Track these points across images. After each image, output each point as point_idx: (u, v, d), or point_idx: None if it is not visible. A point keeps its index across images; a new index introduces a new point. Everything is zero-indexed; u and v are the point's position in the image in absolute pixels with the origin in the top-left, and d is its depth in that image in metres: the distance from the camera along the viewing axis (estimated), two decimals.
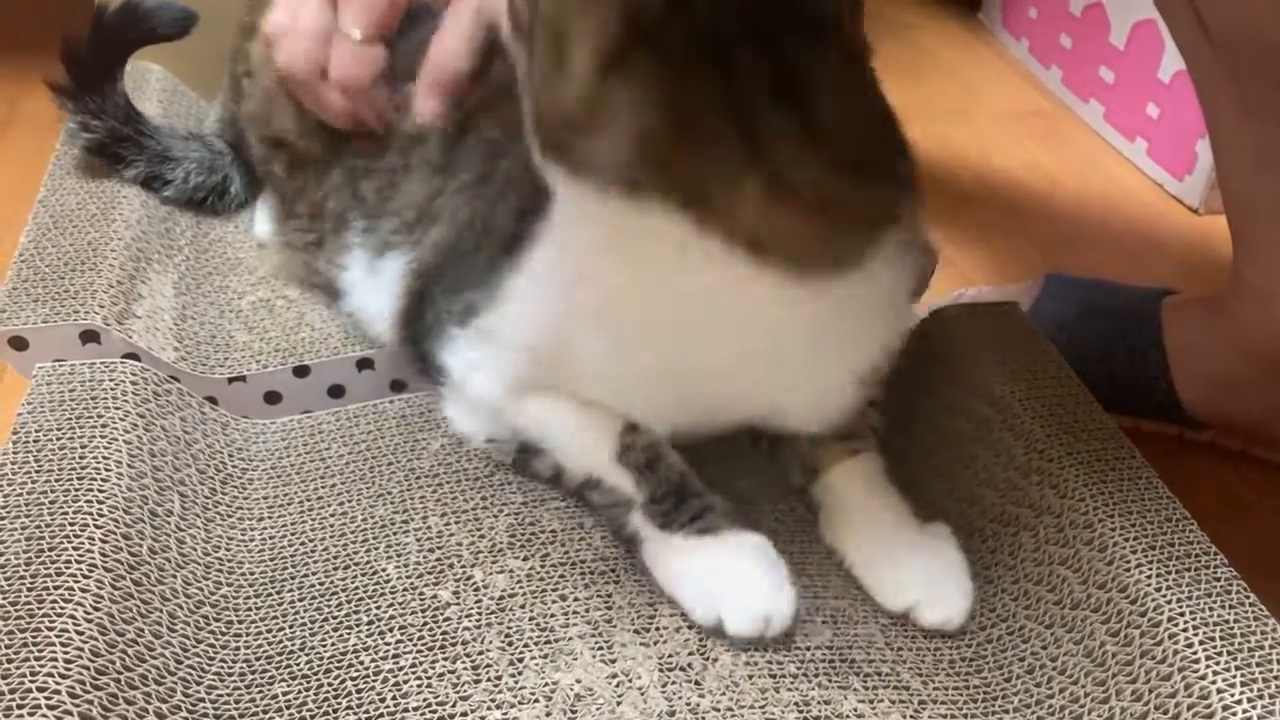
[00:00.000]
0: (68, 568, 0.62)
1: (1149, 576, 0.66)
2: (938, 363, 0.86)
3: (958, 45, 1.72)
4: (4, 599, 0.60)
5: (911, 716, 0.65)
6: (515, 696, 0.64)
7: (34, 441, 0.70)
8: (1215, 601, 0.64)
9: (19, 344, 0.79)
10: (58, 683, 0.56)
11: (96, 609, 0.61)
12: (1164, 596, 0.64)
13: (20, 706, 0.55)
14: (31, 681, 0.56)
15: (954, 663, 0.69)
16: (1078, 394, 0.80)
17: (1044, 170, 1.42)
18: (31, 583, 0.61)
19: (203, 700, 0.63)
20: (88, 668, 0.58)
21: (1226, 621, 0.63)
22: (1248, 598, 0.65)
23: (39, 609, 0.60)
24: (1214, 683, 0.60)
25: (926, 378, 0.85)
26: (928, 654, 0.69)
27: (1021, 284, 1.08)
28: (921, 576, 0.72)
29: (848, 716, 0.64)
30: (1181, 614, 0.63)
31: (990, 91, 1.59)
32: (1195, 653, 0.61)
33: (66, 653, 0.58)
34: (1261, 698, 0.59)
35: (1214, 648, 0.61)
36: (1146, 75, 1.38)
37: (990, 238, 1.27)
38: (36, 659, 0.57)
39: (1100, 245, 1.27)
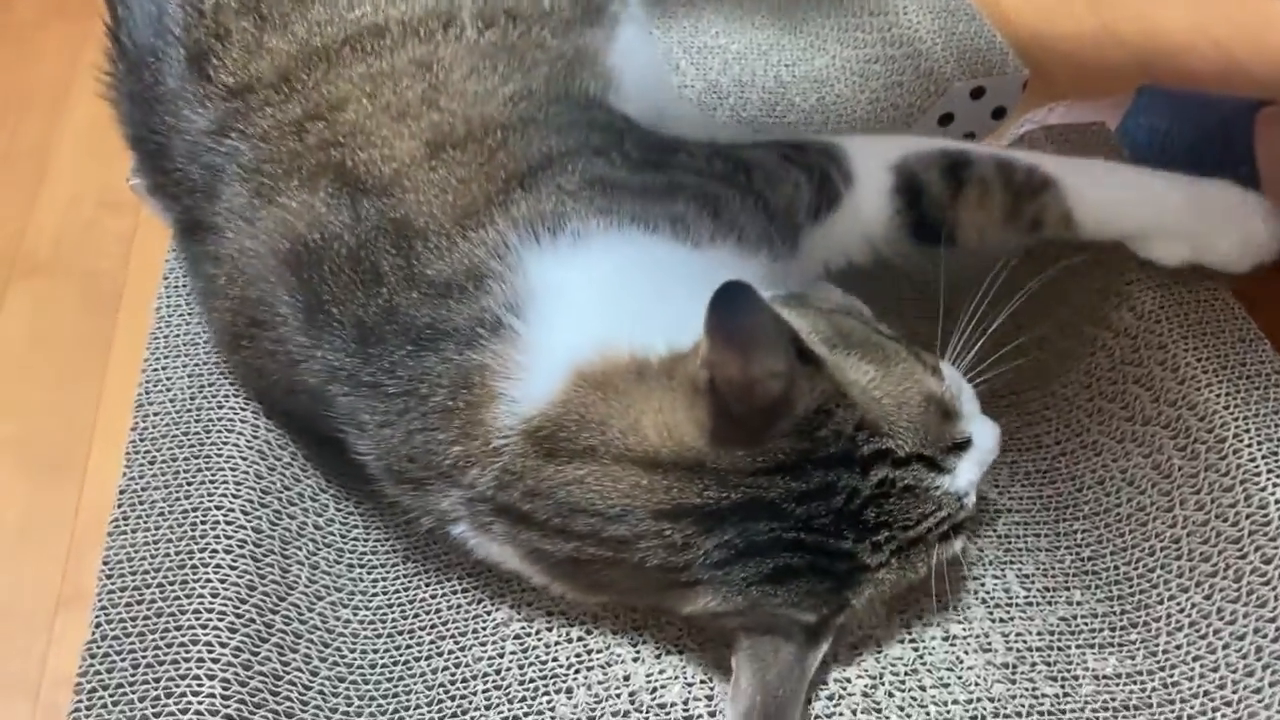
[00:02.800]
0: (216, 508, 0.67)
1: (1218, 395, 0.69)
2: None
3: None
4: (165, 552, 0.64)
5: (987, 524, 0.71)
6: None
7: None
8: None
9: None
10: (222, 604, 0.61)
11: (243, 530, 0.65)
12: (1231, 414, 0.68)
13: (190, 626, 0.61)
14: (198, 602, 0.61)
15: (1030, 474, 0.75)
16: None
17: None
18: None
19: (337, 625, 0.67)
20: (240, 588, 0.63)
21: None
22: None
23: (197, 549, 0.64)
24: (1273, 494, 0.64)
25: None
26: (1004, 467, 0.75)
27: (1114, 97, 1.07)
28: None
29: None
30: (1247, 430, 0.67)
31: None
32: (1258, 466, 0.66)
33: (222, 572, 0.62)
34: None
35: (1276, 462, 0.66)
36: None
37: (1083, 46, 1.25)
38: (196, 580, 0.62)
39: (1198, 50, 1.24)
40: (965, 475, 0.60)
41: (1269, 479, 0.65)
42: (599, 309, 0.60)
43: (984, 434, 0.62)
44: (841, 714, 0.61)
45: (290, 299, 0.62)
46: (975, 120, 0.98)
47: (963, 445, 0.60)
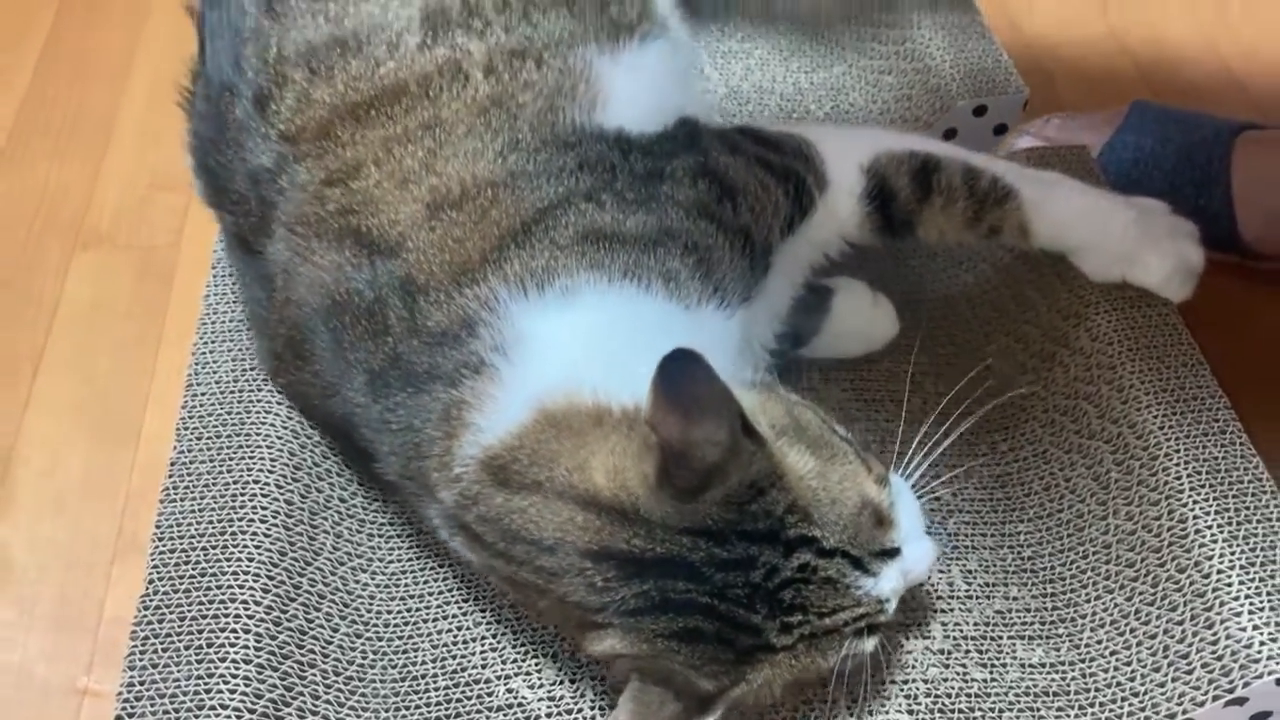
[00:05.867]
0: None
1: (1155, 415, 0.76)
2: None
3: None
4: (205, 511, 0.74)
5: (938, 523, 0.79)
6: None
7: None
8: (1210, 441, 0.75)
9: None
10: (257, 566, 0.73)
11: (276, 501, 0.75)
12: (1165, 434, 0.75)
13: (229, 585, 0.72)
14: (236, 564, 0.72)
15: (983, 478, 0.83)
16: None
17: None
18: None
19: (356, 587, 0.77)
20: (272, 553, 0.73)
21: (1215, 458, 0.74)
22: (1239, 438, 0.75)
23: (236, 511, 0.73)
24: (1192, 509, 0.71)
25: None
26: (960, 470, 0.82)
27: (1108, 111, 1.13)
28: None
29: None
30: (1177, 450, 0.74)
31: None
32: (1182, 483, 0.73)
33: (257, 539, 0.72)
34: (1230, 524, 0.70)
35: (1199, 480, 0.73)
36: None
37: (1090, 55, 1.29)
38: (235, 545, 0.73)
39: (1201, 64, 1.28)
40: (889, 582, 0.63)
41: (1190, 495, 0.72)
42: (575, 355, 0.64)
43: (918, 552, 0.65)
44: None
45: (322, 344, 0.70)
46: (977, 136, 1.04)
47: (891, 553, 0.63)
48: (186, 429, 0.77)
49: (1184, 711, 0.66)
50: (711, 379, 0.57)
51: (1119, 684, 0.70)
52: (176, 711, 0.65)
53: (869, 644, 0.64)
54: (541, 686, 0.71)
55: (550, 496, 0.62)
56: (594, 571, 0.60)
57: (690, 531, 0.59)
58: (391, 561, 0.78)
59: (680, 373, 0.57)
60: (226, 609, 0.68)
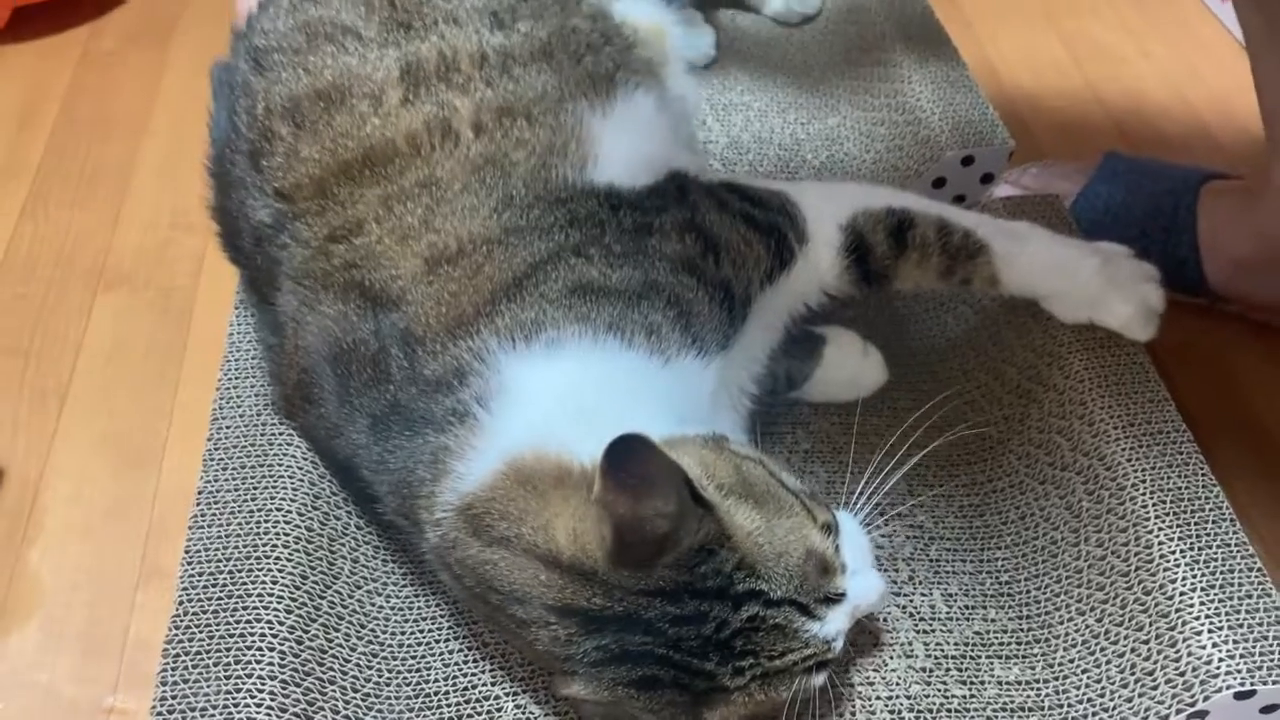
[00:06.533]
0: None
1: (1124, 449, 0.81)
2: None
3: None
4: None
5: (921, 549, 0.84)
6: None
7: None
8: (1174, 472, 0.80)
9: None
10: (280, 589, 0.78)
11: (298, 528, 0.80)
12: (1132, 466, 0.80)
13: (254, 606, 0.77)
14: (260, 587, 0.77)
15: (963, 507, 0.87)
16: None
17: (1132, 32, 1.47)
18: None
19: (372, 609, 0.83)
20: (294, 577, 0.78)
21: (1179, 488, 0.79)
22: (1202, 469, 0.80)
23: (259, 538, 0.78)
24: (1157, 536, 0.76)
25: None
26: (941, 498, 0.87)
27: (1083, 162, 1.19)
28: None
29: None
30: (1144, 480, 0.79)
31: None
32: (1148, 512, 0.78)
33: (280, 563, 0.77)
34: (1193, 549, 0.75)
35: (1164, 509, 0.78)
36: None
37: (1067, 106, 1.36)
38: (260, 569, 0.79)
39: (1171, 114, 1.35)
40: (834, 624, 0.67)
41: (1156, 523, 0.77)
42: (549, 411, 0.68)
43: (865, 587, 0.69)
44: None
45: (328, 389, 0.74)
46: (965, 185, 1.10)
47: (837, 598, 0.67)
48: (213, 460, 0.82)
49: None
50: (657, 458, 0.61)
51: (1090, 700, 0.75)
52: None
53: (819, 679, 0.68)
54: (549, 703, 0.75)
55: (518, 553, 0.65)
56: (558, 626, 0.65)
57: (645, 593, 0.63)
58: (405, 585, 0.83)
59: (626, 455, 0.60)
60: (252, 629, 0.73)
